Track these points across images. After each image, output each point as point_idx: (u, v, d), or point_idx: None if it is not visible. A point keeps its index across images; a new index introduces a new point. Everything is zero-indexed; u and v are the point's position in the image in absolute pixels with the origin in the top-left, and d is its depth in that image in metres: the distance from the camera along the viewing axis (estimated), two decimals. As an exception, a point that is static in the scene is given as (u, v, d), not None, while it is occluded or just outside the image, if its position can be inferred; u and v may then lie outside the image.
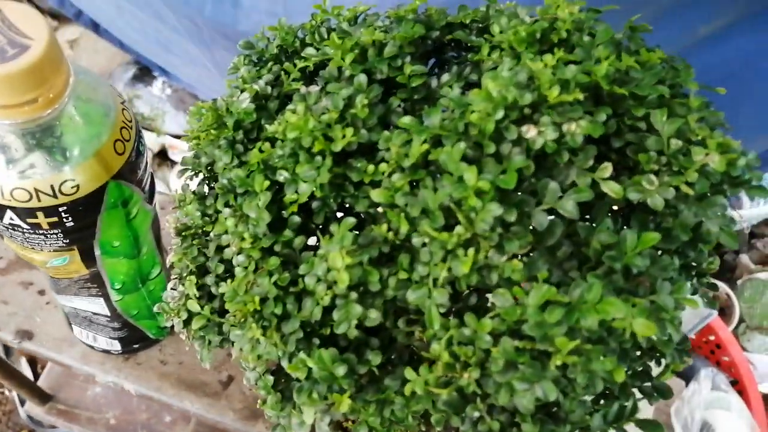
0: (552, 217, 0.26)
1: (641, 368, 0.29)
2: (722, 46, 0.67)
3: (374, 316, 0.27)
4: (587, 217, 0.27)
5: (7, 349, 1.22)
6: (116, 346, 0.52)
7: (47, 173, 0.33)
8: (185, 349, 0.56)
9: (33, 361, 1.27)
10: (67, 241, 0.37)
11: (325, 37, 0.34)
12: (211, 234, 0.33)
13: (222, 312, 0.33)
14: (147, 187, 0.40)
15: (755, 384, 1.14)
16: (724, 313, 1.25)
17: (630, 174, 0.27)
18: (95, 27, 1.15)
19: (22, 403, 1.18)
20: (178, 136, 1.27)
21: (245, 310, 0.29)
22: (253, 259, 0.30)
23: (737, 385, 1.16)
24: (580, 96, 0.25)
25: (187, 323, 0.34)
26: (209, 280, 0.33)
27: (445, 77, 0.31)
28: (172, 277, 0.35)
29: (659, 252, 0.27)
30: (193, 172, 0.35)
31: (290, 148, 0.29)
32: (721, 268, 1.34)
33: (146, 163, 0.39)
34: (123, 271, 0.43)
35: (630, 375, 0.28)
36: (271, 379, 0.33)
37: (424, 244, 0.26)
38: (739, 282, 1.29)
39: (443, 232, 0.25)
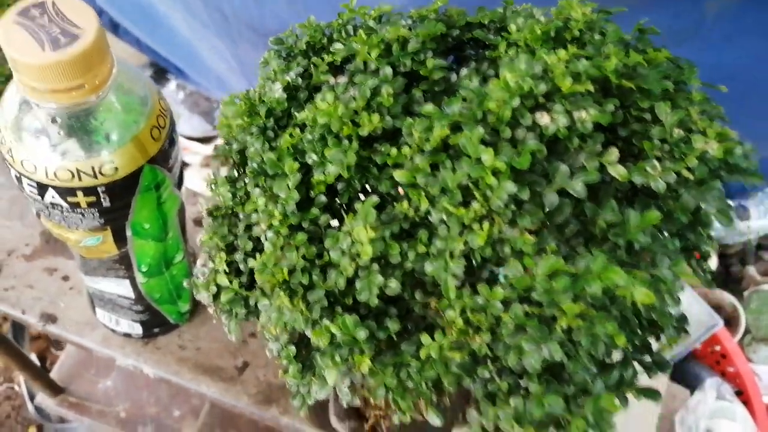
0: (562, 197, 0.28)
1: (642, 342, 0.31)
2: (728, 46, 0.69)
3: (394, 286, 0.29)
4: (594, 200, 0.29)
5: (19, 344, 1.24)
6: (137, 329, 0.54)
7: (89, 155, 0.36)
8: (203, 335, 0.58)
9: (42, 358, 1.29)
10: (102, 220, 0.39)
11: (352, 34, 0.36)
12: (241, 215, 0.36)
13: (248, 286, 0.35)
14: (177, 174, 0.42)
15: (760, 395, 1.16)
16: (730, 324, 1.26)
17: (635, 161, 0.29)
18: (114, 28, 1.18)
19: (32, 398, 1.20)
20: (191, 138, 1.30)
21: (274, 281, 0.31)
22: (282, 235, 0.32)
23: (742, 395, 1.17)
24: (591, 87, 0.28)
25: (216, 297, 0.36)
26: (237, 256, 0.35)
27: (464, 71, 0.33)
28: (202, 254, 0.37)
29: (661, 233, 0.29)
30: (224, 158, 0.37)
31: (319, 133, 0.31)
32: (727, 280, 1.35)
33: (177, 150, 0.41)
34: (150, 254, 0.46)
35: (631, 347, 0.30)
36: (293, 349, 0.35)
37: (442, 221, 0.28)
38: (745, 293, 1.31)
39: (460, 207, 0.27)
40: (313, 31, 0.37)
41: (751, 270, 1.35)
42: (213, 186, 0.36)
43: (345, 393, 0.31)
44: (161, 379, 0.57)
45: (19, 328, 1.23)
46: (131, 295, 0.50)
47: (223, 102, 0.36)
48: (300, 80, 0.34)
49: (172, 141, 0.40)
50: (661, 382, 1.16)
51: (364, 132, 0.30)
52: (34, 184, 0.37)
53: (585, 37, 0.31)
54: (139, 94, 0.38)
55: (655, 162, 0.28)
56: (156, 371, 0.57)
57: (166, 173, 0.40)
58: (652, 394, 0.29)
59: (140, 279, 0.48)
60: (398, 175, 0.29)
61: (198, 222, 0.65)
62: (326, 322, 0.30)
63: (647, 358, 0.31)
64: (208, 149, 1.27)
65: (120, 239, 0.42)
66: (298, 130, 0.32)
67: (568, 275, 0.26)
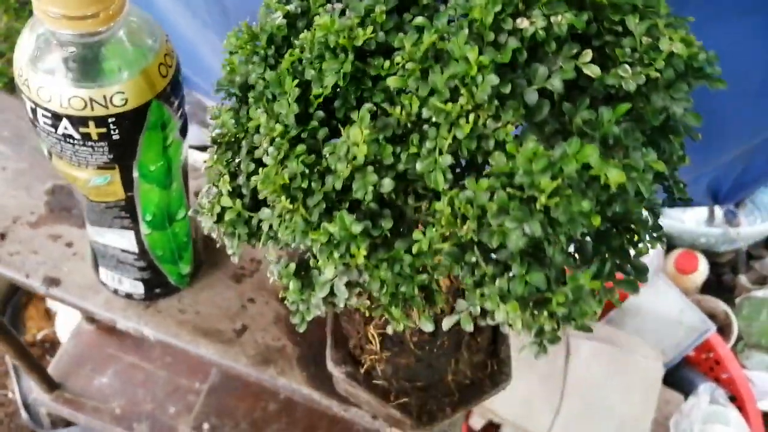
0: (541, 98, 0.30)
1: (619, 246, 0.33)
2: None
3: (387, 183, 0.31)
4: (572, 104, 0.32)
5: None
6: (139, 288, 0.56)
7: (100, 85, 0.38)
8: (203, 300, 0.60)
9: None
10: (111, 156, 0.41)
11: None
12: (243, 143, 0.38)
13: (251, 208, 0.37)
14: (181, 118, 0.44)
15: (754, 400, 1.16)
16: (723, 331, 1.27)
17: (608, 71, 0.31)
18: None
19: (25, 406, 1.20)
20: (189, 147, 1.33)
21: (275, 188, 0.33)
22: (282, 148, 0.34)
23: (736, 401, 1.17)
24: (566, -4, 0.30)
25: (219, 219, 0.38)
26: (240, 180, 0.37)
27: None
28: (205, 183, 0.39)
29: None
30: (226, 93, 0.39)
31: (317, 50, 0.34)
32: (720, 288, 1.37)
33: (182, 95, 0.44)
34: (155, 201, 0.48)
35: (606, 249, 0.32)
36: (293, 266, 0.37)
37: (431, 122, 0.31)
38: (737, 300, 1.32)
39: (448, 104, 0.30)
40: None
41: (743, 279, 1.37)
42: (216, 113, 0.38)
43: (342, 292, 0.33)
44: (161, 342, 0.59)
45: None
46: (135, 248, 0.52)
47: (228, 35, 0.38)
48: (299, 10, 0.37)
49: (177, 82, 0.42)
50: (655, 387, 1.17)
51: (359, 42, 0.32)
52: (49, 114, 0.39)
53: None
54: (147, 32, 0.40)
55: (626, 66, 0.30)
56: (156, 333, 0.58)
57: (172, 113, 0.42)
58: (630, 285, 0.31)
59: (144, 230, 0.50)
60: (391, 81, 0.31)
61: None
62: (325, 223, 0.32)
63: (627, 265, 0.32)
64: (205, 157, 1.29)
65: (127, 181, 0.44)
66: (297, 51, 0.35)
67: (547, 158, 0.28)
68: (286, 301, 0.38)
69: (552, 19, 0.30)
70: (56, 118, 0.39)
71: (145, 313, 0.58)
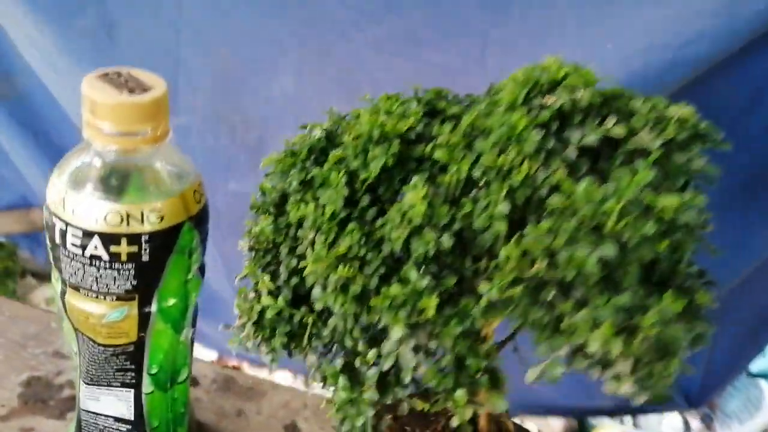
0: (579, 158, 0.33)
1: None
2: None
3: (446, 240, 0.32)
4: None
5: None
6: (127, 473, 0.49)
7: (139, 201, 0.39)
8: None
9: None
10: (135, 282, 0.40)
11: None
12: (283, 248, 0.38)
13: (293, 304, 0.36)
14: (202, 256, 0.44)
15: None
16: None
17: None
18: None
19: None
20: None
21: (330, 261, 0.33)
22: (332, 230, 0.35)
23: None
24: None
25: (259, 321, 0.36)
26: (281, 279, 0.37)
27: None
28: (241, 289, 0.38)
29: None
30: (259, 211, 0.41)
31: (362, 144, 0.36)
32: None
33: (206, 234, 0.44)
34: (164, 349, 0.45)
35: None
36: (339, 362, 0.34)
37: (481, 180, 0.33)
38: None
39: (501, 156, 0.32)
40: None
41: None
42: (254, 223, 0.39)
43: (409, 359, 0.31)
44: None
45: None
46: (131, 415, 0.47)
47: (263, 161, 0.41)
48: (337, 128, 0.40)
49: (206, 214, 0.43)
50: None
51: (403, 128, 0.35)
52: (80, 234, 0.38)
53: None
54: (184, 162, 0.42)
55: (648, 129, 0.34)
56: None
57: (199, 243, 0.43)
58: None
59: (146, 387, 0.46)
60: (439, 153, 0.34)
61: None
62: (384, 288, 0.32)
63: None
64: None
65: (143, 317, 0.42)
66: (340, 150, 0.37)
67: (604, 191, 0.30)
68: (331, 414, 0.35)
69: (574, 95, 0.34)
70: (87, 236, 0.38)
71: None
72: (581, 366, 0.29)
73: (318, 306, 0.34)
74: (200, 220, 0.42)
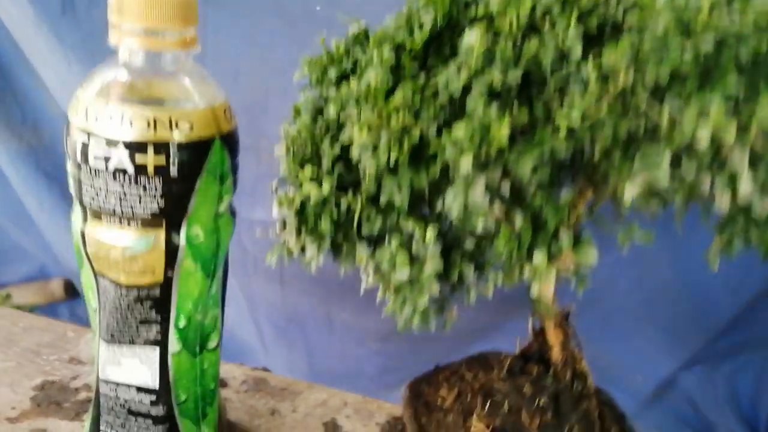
0: None
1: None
2: None
3: (512, 75, 0.28)
4: None
5: None
6: (150, 458, 0.42)
7: (167, 106, 0.36)
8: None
9: None
10: (163, 203, 0.36)
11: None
12: (323, 141, 0.34)
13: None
14: (234, 187, 0.40)
15: None
16: None
17: None
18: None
19: None
20: None
21: (389, 109, 0.29)
22: (380, 97, 0.31)
23: None
24: None
25: (302, 210, 0.32)
26: (324, 169, 0.33)
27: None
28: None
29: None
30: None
31: (407, 15, 0.34)
32: None
33: (237, 165, 0.41)
34: (194, 296, 0.40)
35: None
36: (398, 237, 0.30)
37: (545, 13, 0.30)
38: None
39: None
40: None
41: None
42: (295, 118, 0.35)
43: (479, 201, 0.26)
44: None
45: None
46: (155, 382, 0.41)
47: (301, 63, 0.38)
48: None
49: (237, 143, 0.40)
50: None
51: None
52: (103, 144, 0.35)
53: None
54: (212, 82, 0.40)
55: None
56: None
57: (230, 170, 0.39)
58: None
59: (173, 345, 0.41)
60: (493, 5, 0.31)
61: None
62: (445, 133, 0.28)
63: None
64: None
65: (171, 250, 0.38)
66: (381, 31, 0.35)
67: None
68: (388, 308, 0.30)
69: None
70: (111, 145, 0.35)
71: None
72: (690, 171, 0.25)
73: (368, 177, 0.30)
74: (232, 143, 0.39)
